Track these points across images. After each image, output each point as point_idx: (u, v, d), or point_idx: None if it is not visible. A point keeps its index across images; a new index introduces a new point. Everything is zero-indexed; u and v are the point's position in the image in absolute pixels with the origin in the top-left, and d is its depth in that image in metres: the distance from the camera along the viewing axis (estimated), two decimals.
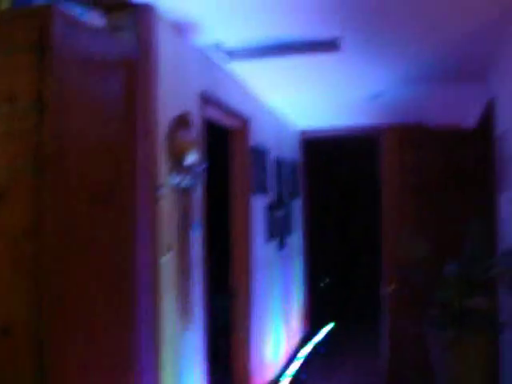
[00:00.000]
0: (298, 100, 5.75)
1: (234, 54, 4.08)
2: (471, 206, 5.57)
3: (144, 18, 3.15)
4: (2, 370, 2.24)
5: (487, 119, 4.67)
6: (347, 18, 3.43)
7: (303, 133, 7.41)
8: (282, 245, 6.16)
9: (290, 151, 6.85)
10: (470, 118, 5.98)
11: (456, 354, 3.45)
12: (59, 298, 2.41)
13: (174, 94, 3.43)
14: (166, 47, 3.31)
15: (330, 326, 7.79)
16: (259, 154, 5.32)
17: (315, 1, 3.18)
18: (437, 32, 3.73)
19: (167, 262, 3.26)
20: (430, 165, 5.97)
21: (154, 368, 3.15)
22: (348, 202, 9.92)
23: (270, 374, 5.51)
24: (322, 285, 8.26)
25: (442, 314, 3.71)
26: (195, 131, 3.67)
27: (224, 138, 5.02)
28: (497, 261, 3.55)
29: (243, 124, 4.94)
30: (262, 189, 5.38)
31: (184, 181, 3.33)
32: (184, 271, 3.41)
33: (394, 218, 5.92)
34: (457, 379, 3.43)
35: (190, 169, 3.37)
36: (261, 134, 5.44)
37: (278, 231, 6.02)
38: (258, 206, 5.29)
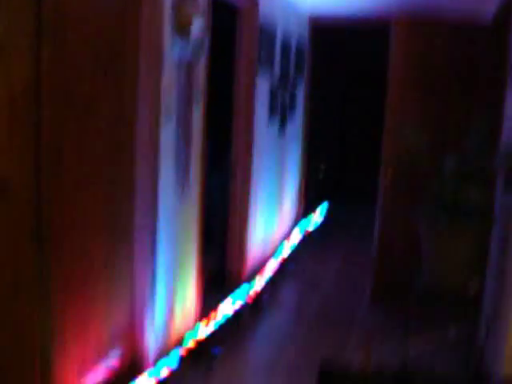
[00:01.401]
0: None
1: None
2: (477, 103, 5.47)
3: None
4: None
5: (503, 15, 4.47)
6: None
7: (311, 19, 7.17)
8: (282, 129, 6.11)
9: (297, 36, 6.65)
10: (485, 14, 5.76)
11: (446, 240, 3.51)
12: (58, 150, 2.40)
13: None
14: None
15: (324, 207, 7.77)
16: (266, 34, 5.16)
17: None
18: None
19: (167, 133, 3.22)
20: (438, 60, 5.80)
21: (152, 234, 3.20)
22: (351, 93, 9.80)
23: (264, 255, 5.62)
24: (321, 168, 8.22)
25: (436, 204, 3.74)
26: (201, 3, 3.52)
27: (231, 19, 4.83)
28: (498, 155, 3.53)
29: (252, 2, 4.75)
30: (267, 70, 5.25)
31: (187, 53, 3.24)
32: (184, 140, 3.38)
33: (397, 109, 5.81)
34: (444, 264, 3.52)
35: (194, 40, 3.26)
36: (269, 15, 5.25)
37: (280, 115, 5.94)
38: (263, 87, 5.19)
